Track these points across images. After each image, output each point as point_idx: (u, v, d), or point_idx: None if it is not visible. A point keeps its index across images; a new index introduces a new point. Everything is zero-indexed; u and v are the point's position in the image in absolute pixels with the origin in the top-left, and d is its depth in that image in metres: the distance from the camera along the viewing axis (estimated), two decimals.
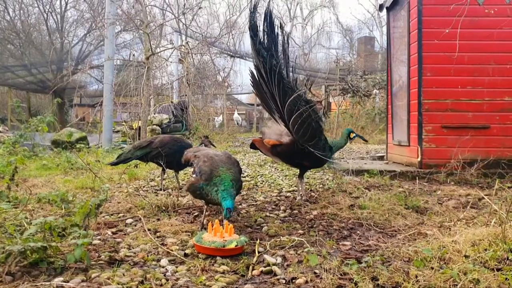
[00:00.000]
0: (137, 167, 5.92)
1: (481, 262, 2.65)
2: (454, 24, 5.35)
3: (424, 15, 6.75)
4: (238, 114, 30.23)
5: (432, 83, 6.75)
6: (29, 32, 25.86)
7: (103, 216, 4.00)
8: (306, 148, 4.48)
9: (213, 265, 2.79)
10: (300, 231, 3.60)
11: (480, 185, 5.83)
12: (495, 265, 2.62)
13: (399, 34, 7.92)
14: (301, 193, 4.91)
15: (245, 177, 6.48)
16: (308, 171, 5.42)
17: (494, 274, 2.42)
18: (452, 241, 2.97)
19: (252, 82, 4.50)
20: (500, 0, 6.58)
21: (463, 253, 2.78)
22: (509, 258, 2.70)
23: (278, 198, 5.04)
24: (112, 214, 4.13)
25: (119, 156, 5.42)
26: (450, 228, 3.52)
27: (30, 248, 2.60)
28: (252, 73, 4.44)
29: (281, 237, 3.37)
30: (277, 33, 4.31)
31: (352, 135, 5.05)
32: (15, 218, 3.40)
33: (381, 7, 9.11)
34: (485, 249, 2.82)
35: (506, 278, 2.39)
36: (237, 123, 25.75)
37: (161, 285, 2.44)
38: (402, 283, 2.40)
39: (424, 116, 6.72)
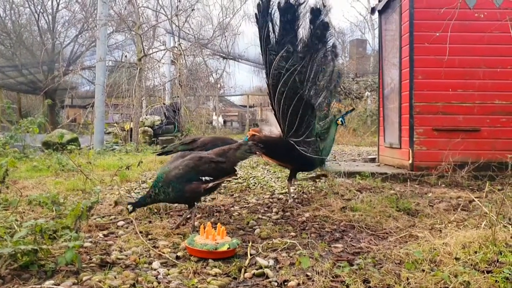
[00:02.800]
0: (128, 169, 5.89)
1: (471, 265, 2.68)
2: (445, 27, 5.39)
3: (415, 19, 6.79)
4: (228, 115, 30.33)
5: (423, 86, 6.79)
6: (20, 33, 25.65)
7: (95, 219, 3.98)
8: (293, 146, 4.49)
9: (205, 267, 2.78)
10: (292, 234, 3.60)
11: (470, 187, 5.87)
12: (485, 267, 2.65)
13: (391, 37, 7.97)
14: (292, 195, 4.91)
15: (237, 179, 6.48)
16: (298, 173, 5.37)
17: (485, 276, 2.44)
18: (443, 243, 2.99)
19: None
20: (490, 4, 6.63)
21: (454, 255, 2.80)
22: (499, 260, 2.73)
23: (271, 200, 5.05)
24: (103, 217, 4.11)
25: (164, 147, 5.82)
26: (441, 231, 3.54)
27: (21, 251, 2.58)
28: None
29: (273, 239, 3.38)
30: None
31: (339, 122, 4.82)
32: (5, 220, 3.37)
33: (373, 10, 9.15)
34: (476, 252, 2.84)
35: (496, 281, 2.41)
36: (220, 125, 25.65)
37: None
38: (394, 286, 2.41)
39: (415, 118, 6.76)
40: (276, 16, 4.48)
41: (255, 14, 4.52)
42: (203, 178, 3.71)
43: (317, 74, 4.80)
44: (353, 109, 5.16)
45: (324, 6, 4.71)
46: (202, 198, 3.89)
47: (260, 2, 4.44)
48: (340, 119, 4.83)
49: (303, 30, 4.75)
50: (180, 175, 3.64)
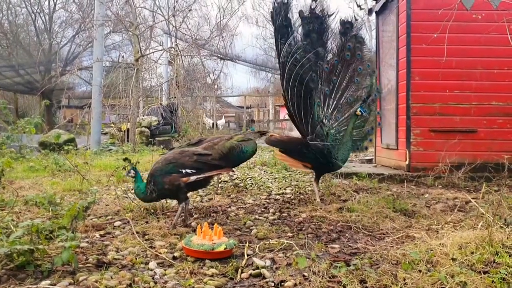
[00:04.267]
0: (125, 169, 5.87)
1: (468, 265, 2.68)
2: (442, 28, 5.39)
3: (412, 20, 6.81)
4: (226, 115, 30.38)
5: (420, 87, 6.80)
6: (16, 33, 25.56)
7: (91, 219, 3.97)
8: (309, 145, 4.57)
9: (202, 268, 2.78)
10: (289, 234, 3.60)
11: (467, 188, 5.89)
12: (482, 268, 2.65)
13: (388, 38, 7.98)
14: (318, 196, 4.86)
15: (234, 179, 6.47)
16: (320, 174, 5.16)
17: (481, 277, 2.45)
18: (440, 244, 3.00)
19: None
20: (488, 6, 6.63)
21: (451, 256, 2.80)
22: (496, 261, 2.73)
23: (267, 201, 5.04)
24: (100, 217, 4.11)
25: (171, 148, 5.83)
26: (437, 231, 3.55)
27: (17, 251, 2.57)
28: None
29: (270, 240, 3.38)
30: None
31: (358, 112, 4.59)
32: (2, 220, 3.36)
33: (370, 11, 9.16)
34: (472, 252, 2.84)
35: (493, 281, 2.42)
36: (208, 127, 25.66)
37: None
38: (390, 286, 2.41)
39: (412, 119, 6.77)
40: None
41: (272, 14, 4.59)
42: (183, 171, 3.76)
43: (349, 86, 4.94)
44: (369, 95, 4.93)
45: (356, 19, 4.83)
46: (190, 193, 3.88)
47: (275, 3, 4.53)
48: (359, 109, 4.59)
49: (332, 41, 4.90)
50: (159, 169, 3.78)
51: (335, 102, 4.96)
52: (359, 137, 5.10)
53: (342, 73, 4.96)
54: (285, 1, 4.52)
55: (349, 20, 4.97)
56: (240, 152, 4.52)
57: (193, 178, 3.77)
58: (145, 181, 3.85)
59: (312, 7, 4.70)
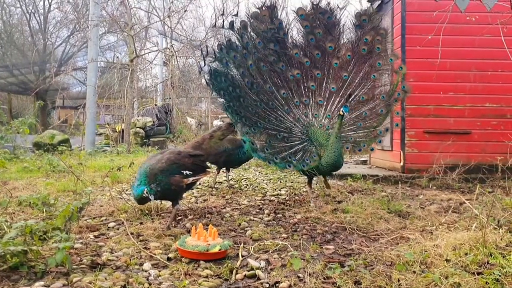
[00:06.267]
0: (120, 170, 5.86)
1: (462, 266, 2.69)
2: (437, 30, 5.41)
3: (407, 22, 6.83)
4: (221, 117, 30.49)
5: (414, 88, 6.77)
6: (11, 33, 25.42)
7: (85, 220, 3.95)
8: None
9: (196, 269, 2.78)
10: (284, 235, 3.60)
11: (461, 189, 5.91)
12: (476, 269, 2.66)
13: None
14: (311, 200, 4.81)
15: (229, 180, 6.47)
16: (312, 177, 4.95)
17: (475, 278, 2.46)
18: (434, 245, 3.01)
19: None
20: (481, 8, 6.64)
21: (445, 257, 2.81)
22: (489, 262, 2.75)
23: (262, 202, 5.04)
24: (94, 218, 4.09)
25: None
26: (432, 232, 3.56)
27: (10, 252, 2.56)
28: None
29: (265, 241, 3.37)
30: None
31: (341, 112, 4.29)
32: None
33: None
34: (466, 253, 2.85)
35: (486, 282, 2.43)
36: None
37: None
38: (385, 287, 2.42)
39: (406, 121, 6.79)
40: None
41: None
42: (184, 172, 3.77)
43: (362, 83, 4.73)
44: (350, 95, 4.56)
45: (377, 12, 4.66)
46: (184, 194, 3.87)
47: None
48: (342, 109, 4.32)
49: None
50: (165, 169, 3.69)
51: (342, 100, 4.71)
52: (367, 138, 4.86)
53: (355, 69, 4.71)
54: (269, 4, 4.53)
55: (366, 11, 4.76)
56: (238, 152, 4.49)
57: (191, 179, 3.78)
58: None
59: (315, 2, 4.61)
